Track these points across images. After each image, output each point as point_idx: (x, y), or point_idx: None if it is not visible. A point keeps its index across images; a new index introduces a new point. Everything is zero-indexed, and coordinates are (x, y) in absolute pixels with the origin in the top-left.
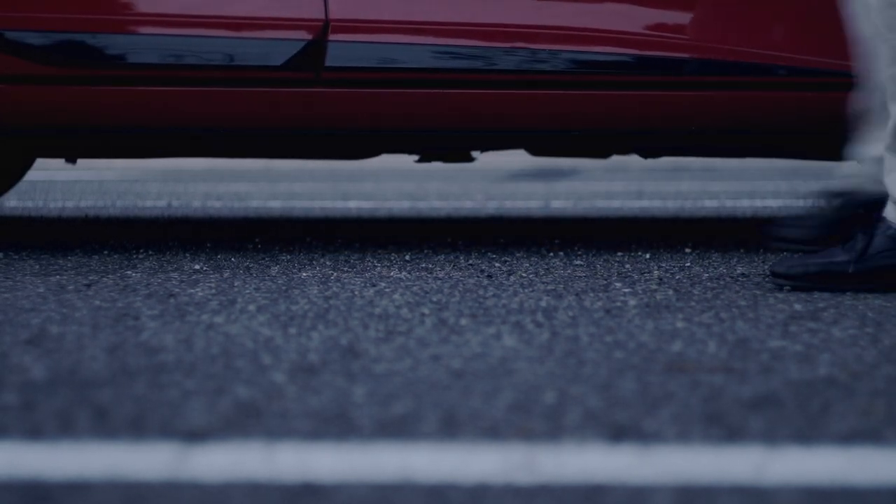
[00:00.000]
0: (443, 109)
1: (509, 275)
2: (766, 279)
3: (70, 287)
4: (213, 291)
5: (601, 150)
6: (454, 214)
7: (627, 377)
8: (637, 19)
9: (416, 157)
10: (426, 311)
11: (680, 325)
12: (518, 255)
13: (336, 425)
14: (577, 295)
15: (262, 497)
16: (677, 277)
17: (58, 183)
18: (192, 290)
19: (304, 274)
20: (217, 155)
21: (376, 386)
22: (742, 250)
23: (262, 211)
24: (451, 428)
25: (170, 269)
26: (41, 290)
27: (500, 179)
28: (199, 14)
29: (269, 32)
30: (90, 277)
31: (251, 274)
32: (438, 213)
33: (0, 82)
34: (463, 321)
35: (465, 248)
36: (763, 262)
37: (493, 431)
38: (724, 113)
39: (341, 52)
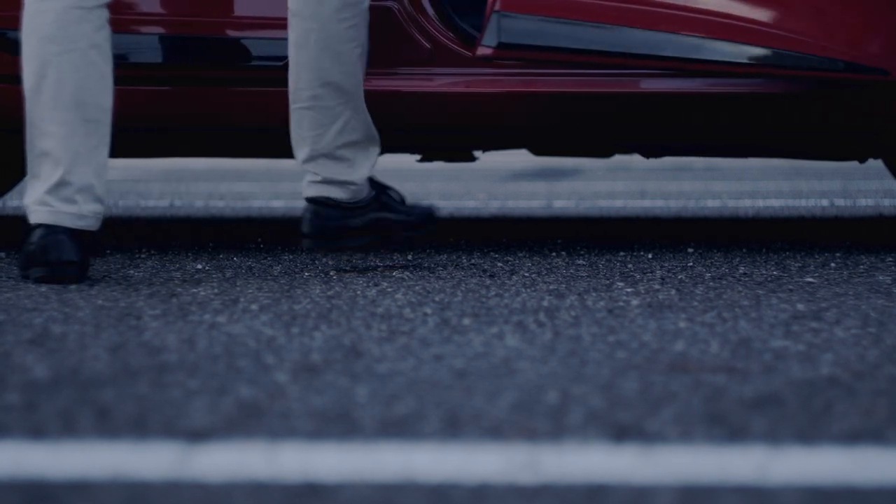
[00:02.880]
0: (443, 108)
1: (512, 274)
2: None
3: (72, 287)
4: (216, 291)
5: (603, 150)
6: (456, 214)
7: (630, 377)
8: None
9: (418, 157)
10: (429, 310)
11: (682, 324)
12: (520, 254)
13: (339, 425)
14: (579, 295)
15: (265, 497)
16: (680, 277)
17: None
18: (194, 290)
19: (307, 273)
20: (219, 154)
21: (379, 386)
22: (744, 250)
23: (265, 210)
24: (453, 428)
25: (172, 268)
26: (43, 289)
27: (503, 179)
28: (200, 14)
29: (271, 32)
30: (92, 277)
31: (253, 274)
32: (440, 212)
33: (1, 82)
34: (465, 321)
35: (468, 248)
36: (766, 262)
37: (496, 431)
38: None
39: None
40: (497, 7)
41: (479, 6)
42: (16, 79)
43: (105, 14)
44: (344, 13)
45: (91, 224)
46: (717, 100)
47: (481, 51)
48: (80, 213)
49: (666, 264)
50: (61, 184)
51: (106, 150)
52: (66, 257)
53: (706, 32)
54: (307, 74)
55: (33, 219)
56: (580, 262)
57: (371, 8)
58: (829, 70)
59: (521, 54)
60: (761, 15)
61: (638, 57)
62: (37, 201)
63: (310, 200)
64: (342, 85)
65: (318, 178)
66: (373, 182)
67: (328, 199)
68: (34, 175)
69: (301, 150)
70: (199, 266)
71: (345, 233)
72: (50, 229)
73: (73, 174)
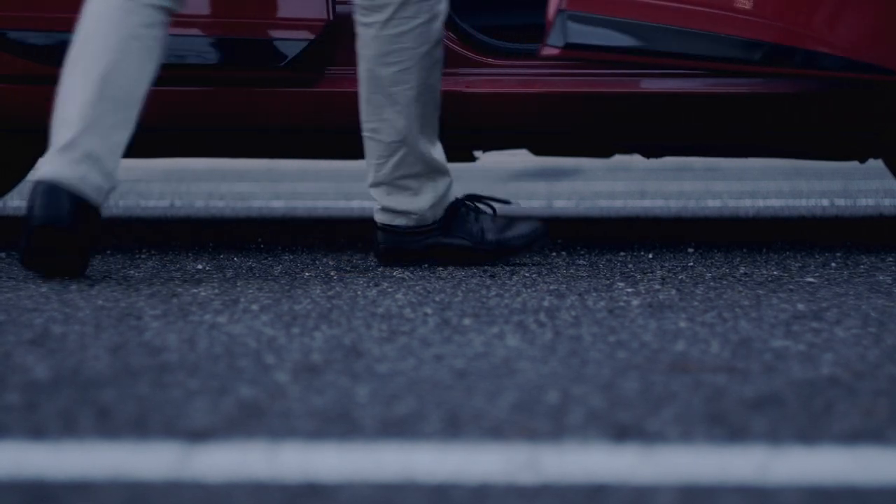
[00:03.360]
0: (443, 108)
1: (512, 274)
2: None
3: (73, 287)
4: (216, 291)
5: (603, 150)
6: None
7: (630, 377)
8: None
9: None
10: (429, 310)
11: (683, 324)
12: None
13: (339, 425)
14: (579, 295)
15: (266, 497)
16: (680, 277)
17: None
18: (194, 290)
19: (307, 274)
20: (220, 155)
21: (379, 386)
22: (745, 250)
23: (265, 211)
24: (454, 428)
25: (172, 269)
26: (44, 289)
27: (503, 179)
28: (201, 14)
29: (272, 32)
30: (93, 277)
31: (254, 274)
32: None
33: (2, 82)
34: (466, 321)
35: None
36: (766, 262)
37: (496, 431)
38: None
39: (345, 51)
40: (564, 6)
41: (479, 6)
42: (16, 79)
43: (157, 15)
44: (391, 58)
45: (91, 193)
46: (717, 100)
47: (547, 51)
48: (82, 176)
49: (666, 264)
50: (69, 145)
51: (126, 133)
52: (62, 212)
53: (773, 37)
54: (366, 107)
55: (37, 175)
56: (581, 262)
57: None
58: (839, 70)
59: (588, 54)
60: (796, 21)
61: (704, 59)
62: (45, 161)
63: (376, 225)
64: (395, 124)
65: (380, 206)
66: (453, 203)
67: (388, 226)
68: (52, 143)
69: (369, 174)
70: (200, 266)
71: (403, 256)
72: (50, 186)
73: (81, 139)
